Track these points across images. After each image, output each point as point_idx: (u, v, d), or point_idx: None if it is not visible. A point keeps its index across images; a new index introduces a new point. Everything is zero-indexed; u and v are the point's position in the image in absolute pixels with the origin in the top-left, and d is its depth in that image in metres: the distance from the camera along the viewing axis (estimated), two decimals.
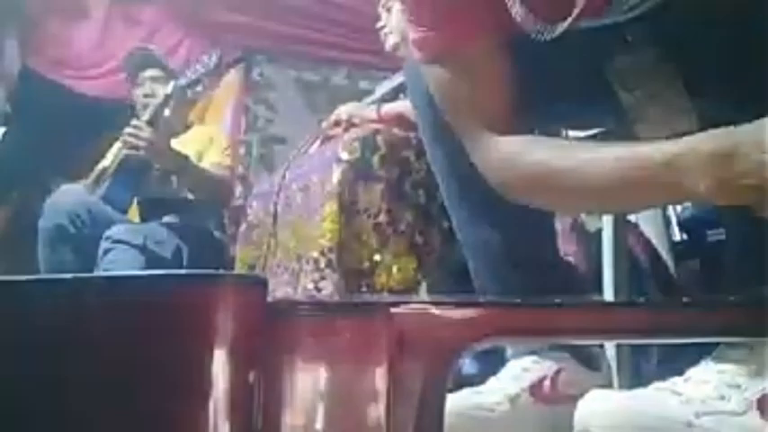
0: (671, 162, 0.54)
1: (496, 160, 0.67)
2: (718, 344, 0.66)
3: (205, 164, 1.97)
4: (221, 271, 0.42)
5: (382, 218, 1.20)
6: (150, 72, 2.03)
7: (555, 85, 0.71)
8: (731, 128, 0.53)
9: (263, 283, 0.40)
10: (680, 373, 0.67)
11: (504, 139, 0.66)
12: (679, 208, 1.77)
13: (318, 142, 1.52)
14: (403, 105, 1.38)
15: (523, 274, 0.78)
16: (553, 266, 0.84)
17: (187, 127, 2.13)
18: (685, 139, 0.55)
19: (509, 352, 0.82)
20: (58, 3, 2.68)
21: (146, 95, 2.00)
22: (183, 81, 1.86)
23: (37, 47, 2.67)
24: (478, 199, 0.77)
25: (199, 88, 2.00)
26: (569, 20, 0.61)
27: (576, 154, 0.62)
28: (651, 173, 0.55)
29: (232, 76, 2.92)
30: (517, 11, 0.62)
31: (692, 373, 0.66)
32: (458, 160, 0.73)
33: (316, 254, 1.18)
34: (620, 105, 0.76)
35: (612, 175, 0.58)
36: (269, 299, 0.40)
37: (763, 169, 0.50)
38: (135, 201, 1.95)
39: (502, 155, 0.66)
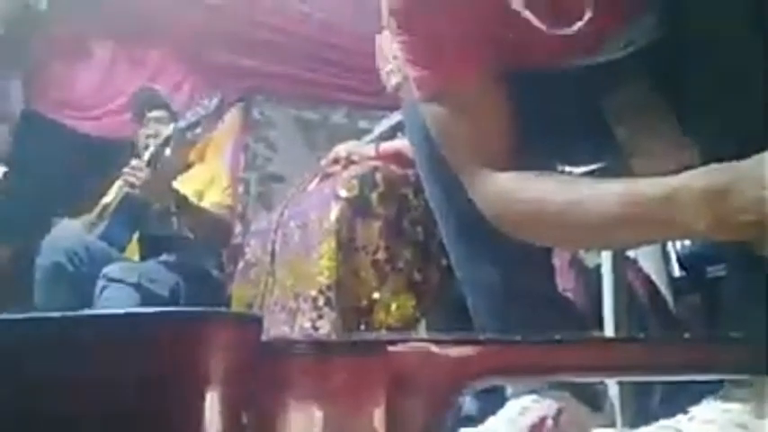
0: (669, 198, 0.54)
1: (495, 195, 0.67)
2: (722, 382, 0.65)
3: (205, 203, 1.97)
4: (216, 309, 0.42)
5: (380, 255, 1.20)
6: (155, 113, 2.05)
7: (551, 122, 0.72)
8: (727, 164, 0.53)
9: (257, 321, 0.40)
10: (684, 411, 0.65)
11: (503, 174, 0.66)
12: (678, 244, 1.77)
13: (317, 180, 1.53)
14: (401, 143, 1.40)
15: (522, 310, 0.77)
16: (552, 302, 0.83)
17: (189, 165, 2.15)
18: (682, 174, 0.55)
19: (509, 390, 0.80)
20: (63, 45, 2.74)
21: (148, 135, 2.02)
22: (182, 123, 1.87)
23: (40, 88, 2.71)
24: (477, 235, 0.77)
25: (198, 130, 2.01)
26: (584, 20, 0.61)
27: (576, 189, 0.62)
28: (650, 209, 0.55)
29: (233, 115, 2.96)
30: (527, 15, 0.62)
31: (697, 411, 0.65)
32: (456, 196, 0.74)
33: (314, 292, 1.18)
34: (616, 141, 0.77)
35: (613, 210, 0.58)
36: (264, 337, 0.40)
37: (760, 205, 0.50)
38: (135, 238, 1.95)
39: (501, 190, 0.66)
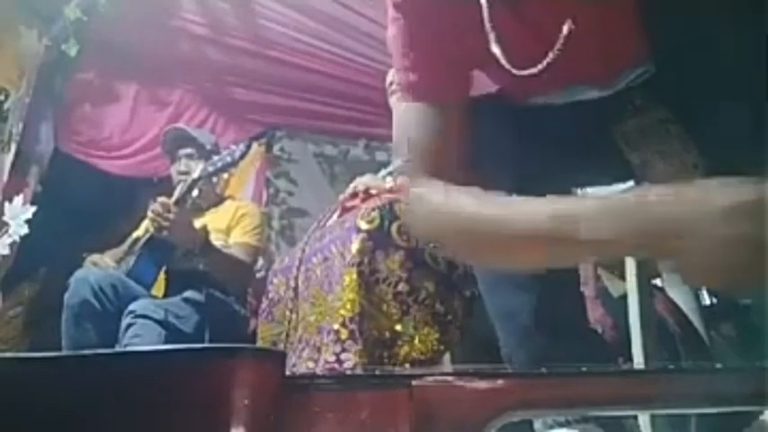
0: (594, 217, 0.53)
1: (424, 210, 0.67)
2: (759, 413, 0.63)
3: (232, 240, 1.99)
4: (239, 345, 0.42)
5: (402, 287, 1.19)
6: (185, 150, 2.11)
7: (563, 148, 0.72)
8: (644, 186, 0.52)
9: (280, 357, 0.40)
10: None
11: (436, 189, 0.65)
12: None
13: (336, 214, 1.54)
14: None
15: (550, 342, 0.76)
16: (579, 333, 0.81)
17: (221, 200, 2.18)
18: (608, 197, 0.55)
19: (537, 424, 0.79)
20: (91, 88, 2.83)
21: (180, 172, 2.07)
22: (210, 168, 1.91)
23: (69, 130, 2.80)
24: None
25: (225, 176, 2.06)
26: (548, 59, 0.62)
27: (506, 206, 0.60)
28: (572, 227, 0.53)
29: (254, 151, 3.01)
30: (496, 51, 0.64)
31: None
32: None
33: (336, 325, 1.17)
34: (630, 165, 0.77)
35: (538, 228, 0.56)
36: (288, 373, 0.40)
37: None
38: (161, 274, 1.97)
39: (431, 205, 0.66)
